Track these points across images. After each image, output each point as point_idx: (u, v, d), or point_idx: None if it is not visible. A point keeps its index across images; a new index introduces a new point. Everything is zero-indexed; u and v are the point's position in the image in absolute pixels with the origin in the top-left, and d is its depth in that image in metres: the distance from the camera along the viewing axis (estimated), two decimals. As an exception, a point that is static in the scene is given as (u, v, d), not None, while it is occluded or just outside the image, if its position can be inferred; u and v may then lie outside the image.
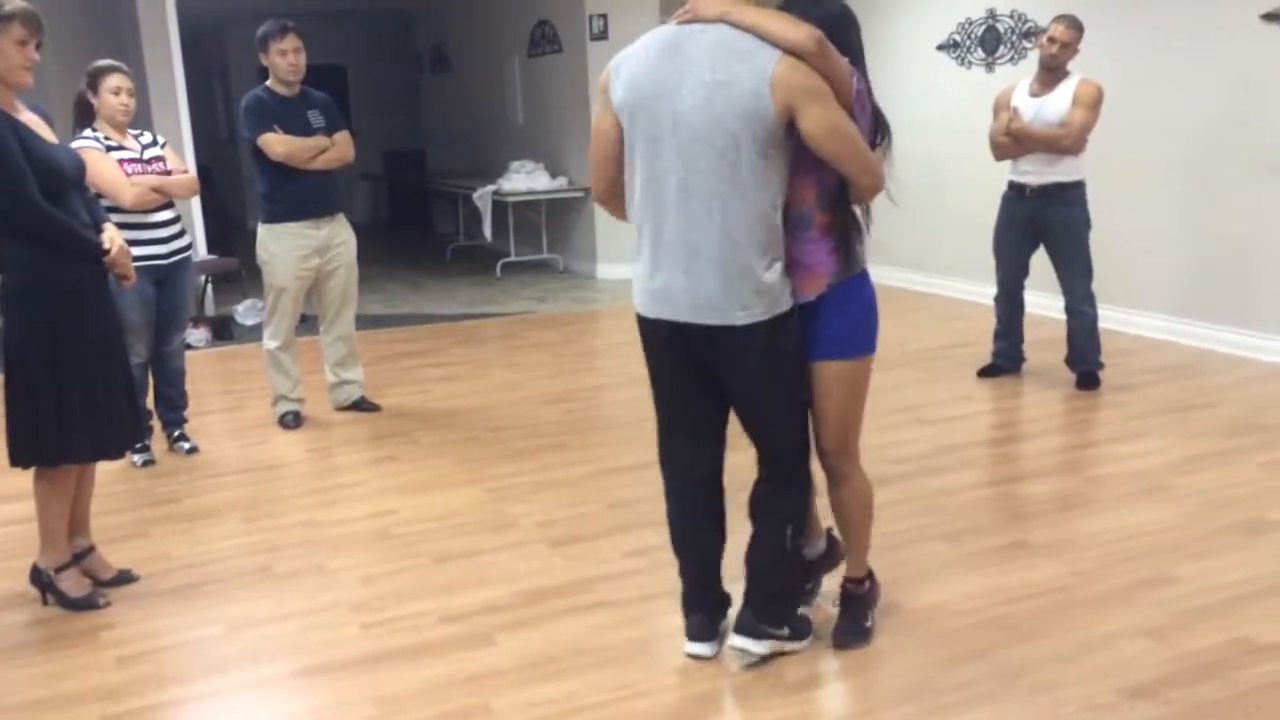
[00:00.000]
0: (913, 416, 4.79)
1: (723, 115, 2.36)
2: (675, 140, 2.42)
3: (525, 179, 9.28)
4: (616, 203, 2.68)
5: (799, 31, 2.35)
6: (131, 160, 4.28)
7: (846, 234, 2.62)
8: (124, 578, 3.40)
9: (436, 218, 12.68)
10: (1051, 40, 4.89)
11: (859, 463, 2.81)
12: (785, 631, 2.82)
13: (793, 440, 2.69)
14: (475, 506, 3.96)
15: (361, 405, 5.25)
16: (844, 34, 2.55)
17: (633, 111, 2.48)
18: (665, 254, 2.50)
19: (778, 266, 2.49)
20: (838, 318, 2.62)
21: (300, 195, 4.77)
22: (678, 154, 2.42)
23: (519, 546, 3.58)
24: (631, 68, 2.49)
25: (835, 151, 2.40)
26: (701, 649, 2.79)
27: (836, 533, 2.99)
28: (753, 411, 2.67)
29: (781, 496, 2.72)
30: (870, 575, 2.93)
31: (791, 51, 2.35)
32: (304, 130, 4.74)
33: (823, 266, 2.59)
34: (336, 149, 4.82)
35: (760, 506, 2.76)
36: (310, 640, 3.00)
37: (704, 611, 2.81)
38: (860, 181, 2.48)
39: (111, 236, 3.28)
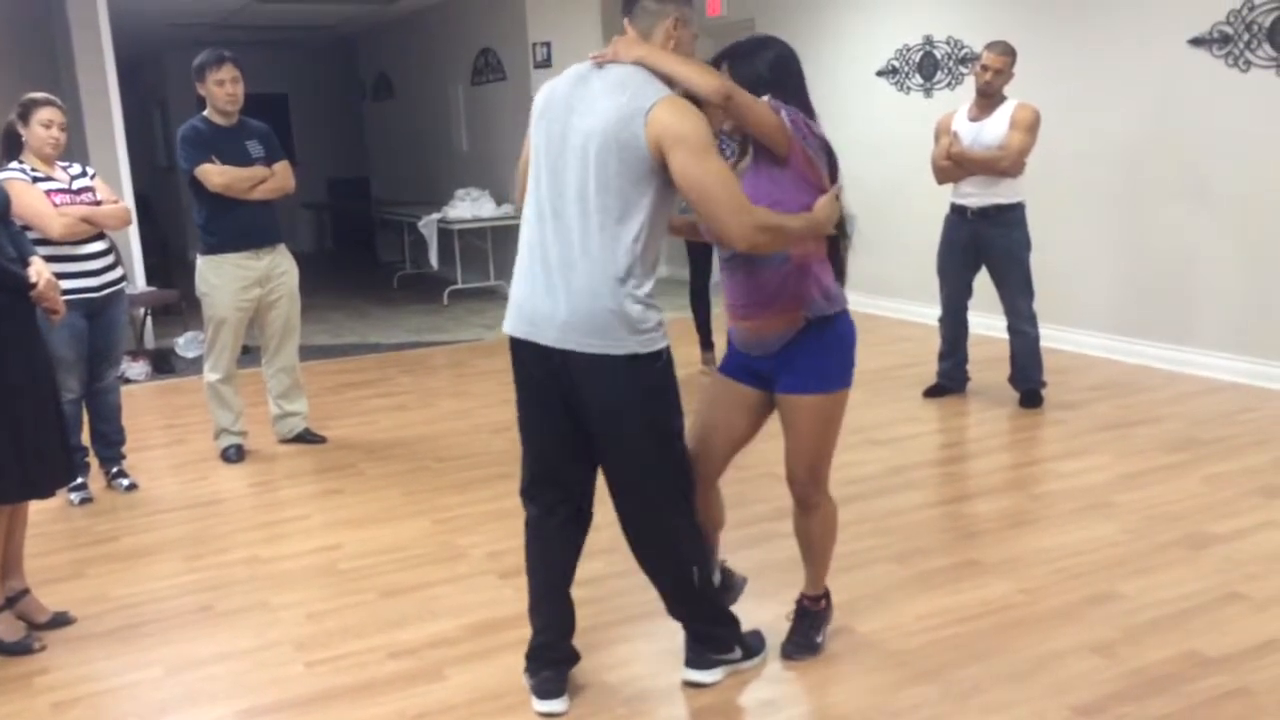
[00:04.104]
0: (862, 438, 4.81)
1: (597, 140, 2.39)
2: (563, 164, 2.45)
3: (471, 206, 9.25)
4: None
5: (710, 82, 2.38)
6: (60, 191, 4.19)
7: (834, 265, 2.65)
8: (60, 620, 3.29)
9: (382, 246, 12.59)
10: (985, 68, 4.98)
11: (828, 491, 2.81)
12: (736, 654, 2.81)
13: (664, 485, 2.59)
14: (423, 539, 3.90)
15: (306, 437, 5.17)
16: (786, 79, 2.59)
17: (538, 131, 2.52)
18: (539, 274, 2.48)
19: (644, 301, 2.44)
20: (815, 352, 2.63)
21: (239, 226, 4.70)
22: (558, 174, 2.45)
23: (468, 578, 3.53)
24: (547, 94, 2.54)
25: (692, 200, 2.39)
26: (552, 706, 2.66)
27: (730, 564, 3.02)
28: (616, 454, 2.56)
29: (673, 546, 2.65)
30: (827, 595, 2.94)
31: (698, 99, 2.38)
32: (242, 160, 4.68)
33: (797, 300, 2.59)
34: (276, 179, 4.76)
35: (653, 564, 2.69)
36: (254, 680, 2.92)
37: (552, 668, 2.70)
38: (720, 231, 2.39)
39: (39, 270, 3.21)
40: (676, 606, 2.75)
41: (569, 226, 2.43)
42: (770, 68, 2.58)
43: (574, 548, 2.70)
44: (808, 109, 2.61)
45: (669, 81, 2.42)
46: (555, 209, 2.46)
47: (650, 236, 2.45)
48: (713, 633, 2.78)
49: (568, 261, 2.43)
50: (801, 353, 2.63)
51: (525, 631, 2.76)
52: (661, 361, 2.51)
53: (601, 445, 2.57)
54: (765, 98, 2.52)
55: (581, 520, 2.69)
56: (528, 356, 2.54)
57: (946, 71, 6.93)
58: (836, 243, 2.68)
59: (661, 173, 2.39)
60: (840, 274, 2.71)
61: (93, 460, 4.55)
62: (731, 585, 3.01)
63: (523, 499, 2.70)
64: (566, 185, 2.44)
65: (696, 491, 2.72)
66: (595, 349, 2.43)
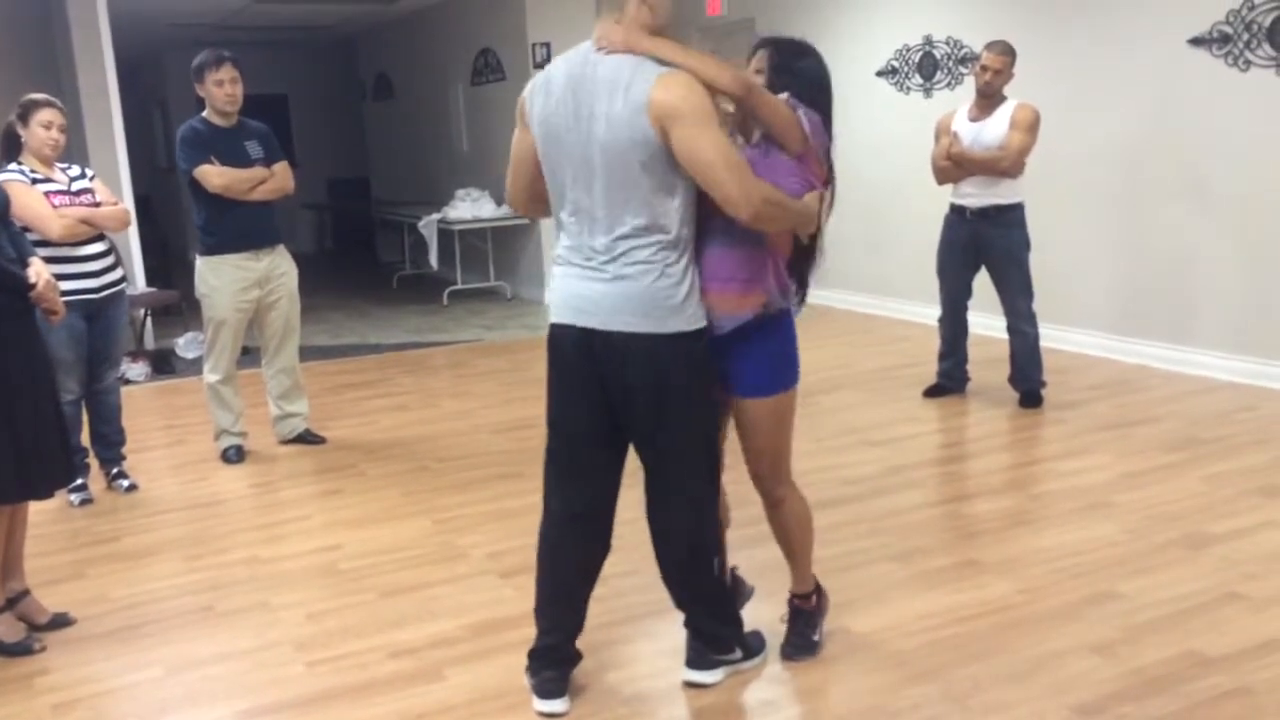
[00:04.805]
0: (861, 438, 4.81)
1: (613, 145, 2.39)
2: (586, 172, 2.45)
3: (471, 207, 9.25)
4: (530, 205, 2.72)
5: (729, 77, 2.39)
6: (59, 193, 4.19)
7: (803, 257, 2.65)
8: (60, 621, 3.30)
9: (382, 246, 12.58)
10: (984, 68, 4.98)
11: (793, 484, 2.82)
12: (737, 654, 2.81)
13: (700, 466, 2.62)
14: (423, 539, 3.90)
15: (306, 438, 5.17)
16: (816, 93, 2.60)
17: (547, 141, 2.51)
18: (579, 265, 2.52)
19: (687, 282, 2.48)
20: (762, 355, 2.64)
21: (238, 227, 4.70)
22: (588, 183, 2.45)
23: (468, 578, 3.53)
24: (544, 100, 2.51)
25: (696, 171, 2.38)
26: (554, 706, 2.66)
27: (740, 571, 3.03)
28: (656, 435, 2.58)
29: (700, 533, 2.66)
30: (817, 589, 2.94)
31: (722, 92, 2.39)
32: (242, 161, 4.68)
33: (759, 285, 2.58)
34: (275, 179, 4.76)
35: (676, 554, 2.70)
36: (254, 680, 2.93)
37: (555, 668, 2.69)
38: (724, 202, 2.39)
39: (38, 271, 3.21)
40: (690, 601, 2.75)
41: (604, 224, 2.45)
42: (808, 73, 2.60)
43: (590, 552, 2.69)
44: (827, 121, 2.62)
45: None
46: (586, 208, 2.47)
47: (686, 219, 2.47)
48: (717, 632, 2.78)
49: (609, 253, 2.46)
50: (750, 354, 2.63)
51: (526, 631, 2.77)
52: (704, 343, 2.54)
53: (644, 427, 2.58)
54: (784, 95, 2.52)
55: (602, 527, 2.68)
56: (570, 343, 2.55)
57: (946, 71, 6.93)
58: (801, 253, 2.68)
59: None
60: (803, 284, 2.72)
61: (93, 461, 4.55)
62: (740, 592, 3.01)
63: (545, 495, 2.69)
64: (594, 189, 2.45)
65: None
66: (641, 328, 2.46)
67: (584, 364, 2.55)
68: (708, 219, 2.54)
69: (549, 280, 2.67)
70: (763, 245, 2.56)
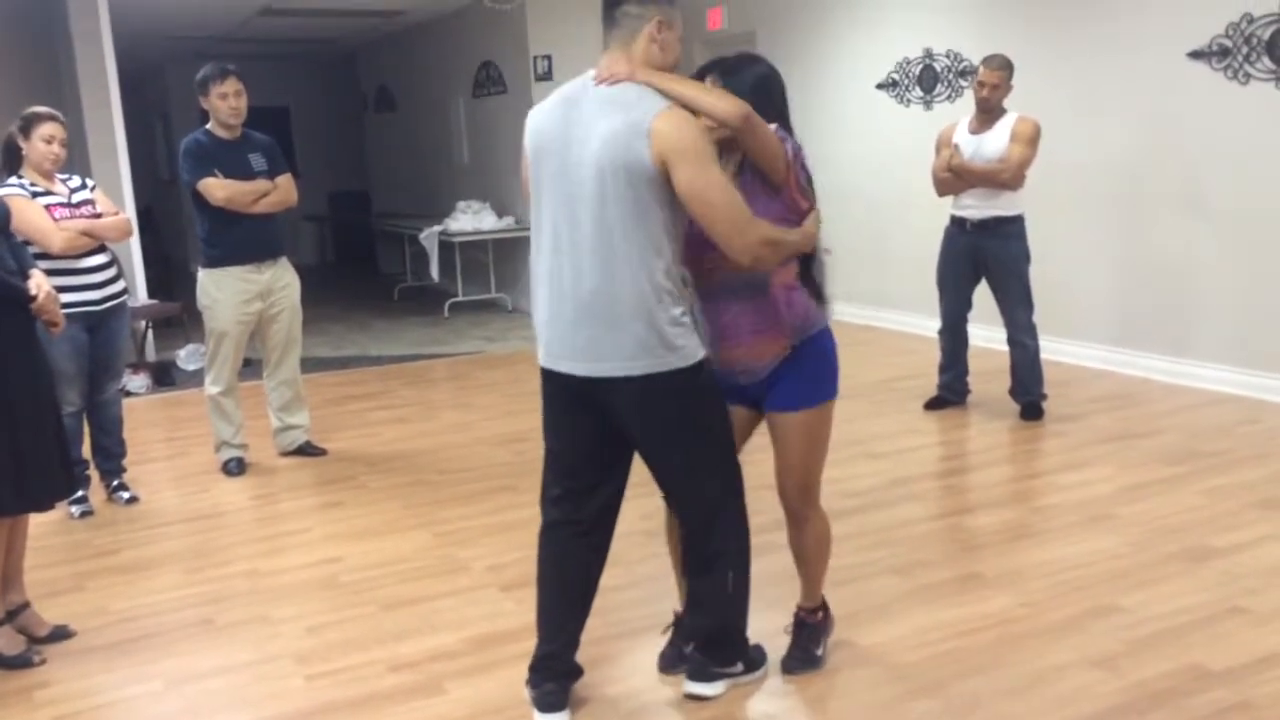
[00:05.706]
0: (862, 450, 4.81)
1: (603, 165, 2.36)
2: (568, 190, 2.43)
3: (472, 219, 9.27)
4: None
5: (729, 106, 2.38)
6: (60, 205, 4.19)
7: (810, 289, 2.66)
8: (60, 634, 3.29)
9: (383, 258, 12.61)
10: (982, 84, 5.00)
11: (819, 505, 2.82)
12: (739, 668, 2.81)
13: (713, 488, 2.61)
14: (424, 551, 3.90)
15: (307, 450, 5.17)
16: (770, 96, 2.61)
17: (536, 163, 2.51)
18: (567, 307, 2.47)
19: (678, 314, 2.44)
20: (798, 370, 2.64)
21: (241, 239, 4.71)
22: (570, 204, 2.43)
23: (469, 591, 3.52)
24: (537, 120, 2.53)
25: (699, 213, 2.38)
26: (555, 719, 2.66)
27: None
28: (668, 465, 2.59)
29: (718, 546, 2.66)
30: (824, 606, 2.94)
31: (719, 122, 2.38)
32: (245, 174, 4.69)
33: (779, 328, 2.59)
34: (279, 192, 4.77)
35: (696, 561, 2.71)
36: (254, 694, 2.92)
37: (555, 680, 2.69)
38: (724, 245, 2.40)
39: (39, 283, 3.22)
40: (701, 614, 2.74)
41: (590, 258, 2.41)
42: (754, 85, 2.58)
43: (589, 562, 2.69)
44: (788, 128, 2.63)
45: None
46: (573, 240, 2.44)
47: (675, 252, 2.45)
48: (720, 646, 2.77)
49: (596, 292, 2.42)
50: (786, 372, 2.64)
51: (526, 645, 2.76)
52: (704, 373, 2.52)
53: (652, 454, 2.58)
54: (773, 126, 2.54)
55: (602, 539, 2.68)
56: (568, 386, 2.53)
57: (946, 84, 6.94)
58: (809, 268, 2.69)
59: (671, 187, 2.38)
60: (819, 295, 2.71)
61: (93, 473, 4.55)
62: None
63: (543, 504, 2.69)
64: (580, 217, 2.41)
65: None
66: (638, 370, 2.43)
67: (579, 400, 2.53)
68: (708, 277, 2.55)
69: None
70: (766, 291, 2.57)
